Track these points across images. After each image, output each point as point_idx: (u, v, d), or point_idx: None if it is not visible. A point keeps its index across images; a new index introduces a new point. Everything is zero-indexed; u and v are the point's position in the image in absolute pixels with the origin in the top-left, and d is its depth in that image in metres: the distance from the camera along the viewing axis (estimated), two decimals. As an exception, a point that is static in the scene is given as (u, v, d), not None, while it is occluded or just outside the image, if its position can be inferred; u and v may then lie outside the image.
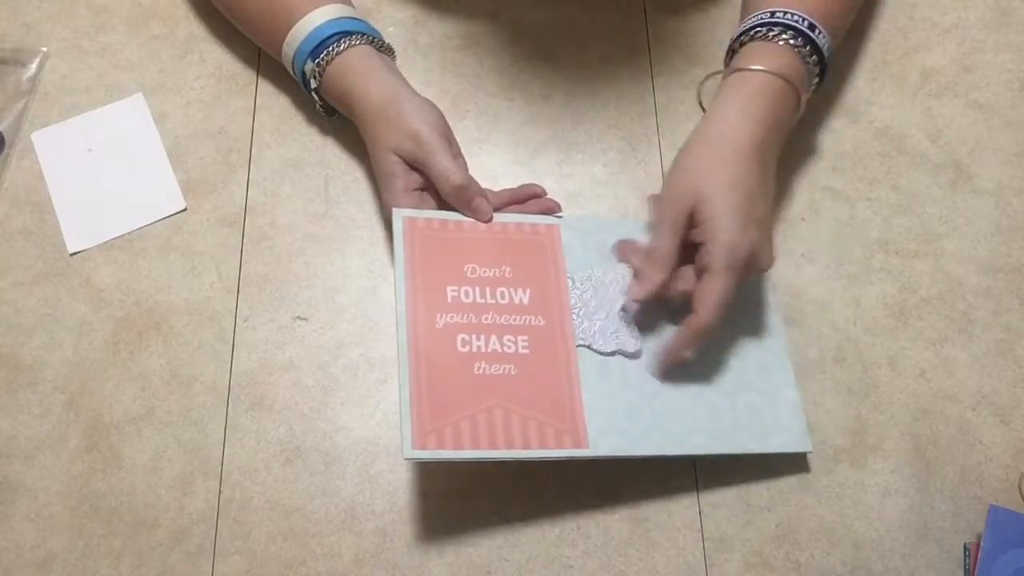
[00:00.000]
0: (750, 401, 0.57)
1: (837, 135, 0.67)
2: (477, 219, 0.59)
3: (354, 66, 0.60)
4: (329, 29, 0.61)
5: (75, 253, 0.63)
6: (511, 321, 0.56)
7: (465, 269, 0.57)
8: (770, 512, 0.57)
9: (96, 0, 0.71)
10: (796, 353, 0.61)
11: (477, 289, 0.56)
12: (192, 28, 0.70)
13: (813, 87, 0.60)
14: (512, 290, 0.57)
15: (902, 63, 0.69)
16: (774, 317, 0.61)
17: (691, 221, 0.55)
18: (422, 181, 0.59)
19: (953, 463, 0.58)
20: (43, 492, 0.57)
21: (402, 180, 0.58)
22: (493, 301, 0.56)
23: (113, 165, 0.66)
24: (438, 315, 0.55)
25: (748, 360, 0.59)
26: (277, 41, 0.63)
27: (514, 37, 0.70)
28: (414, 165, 0.58)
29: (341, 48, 0.60)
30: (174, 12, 0.71)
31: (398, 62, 0.66)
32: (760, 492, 0.58)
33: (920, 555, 0.56)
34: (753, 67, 0.57)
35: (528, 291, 0.57)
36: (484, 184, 0.66)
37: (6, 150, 0.66)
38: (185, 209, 0.65)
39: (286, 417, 0.59)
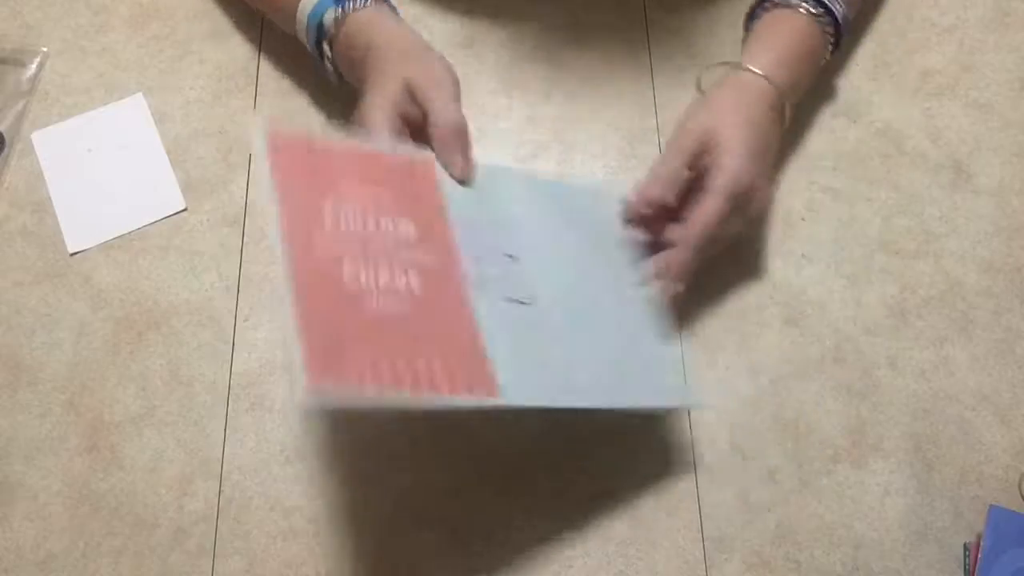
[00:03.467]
0: (642, 356, 0.56)
1: (837, 135, 0.67)
2: (452, 173, 0.55)
3: (377, 17, 0.59)
4: None
5: (75, 253, 0.63)
6: (399, 255, 0.50)
7: (342, 192, 0.50)
8: (770, 512, 0.57)
9: (96, 0, 0.71)
10: (796, 353, 0.61)
11: (358, 215, 0.50)
12: (192, 28, 0.70)
13: (829, 53, 0.63)
14: (394, 220, 0.51)
15: (902, 63, 0.69)
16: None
17: (702, 148, 0.57)
18: (402, 126, 0.56)
19: (953, 463, 0.58)
20: (43, 492, 0.57)
21: (388, 111, 0.55)
22: (375, 230, 0.50)
23: (113, 165, 0.66)
24: (317, 242, 0.47)
25: (639, 316, 0.57)
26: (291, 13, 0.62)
27: (514, 36, 0.70)
28: (413, 106, 0.56)
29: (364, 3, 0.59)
30: (174, 12, 0.71)
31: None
32: (760, 492, 0.58)
33: (920, 555, 0.56)
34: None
35: (412, 224, 0.51)
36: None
37: (6, 150, 0.66)
38: (185, 209, 0.65)
39: (286, 417, 0.59)
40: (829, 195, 0.65)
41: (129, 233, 0.64)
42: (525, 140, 0.67)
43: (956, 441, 0.59)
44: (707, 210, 0.55)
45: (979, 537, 0.55)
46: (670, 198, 0.57)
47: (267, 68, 0.69)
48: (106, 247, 0.64)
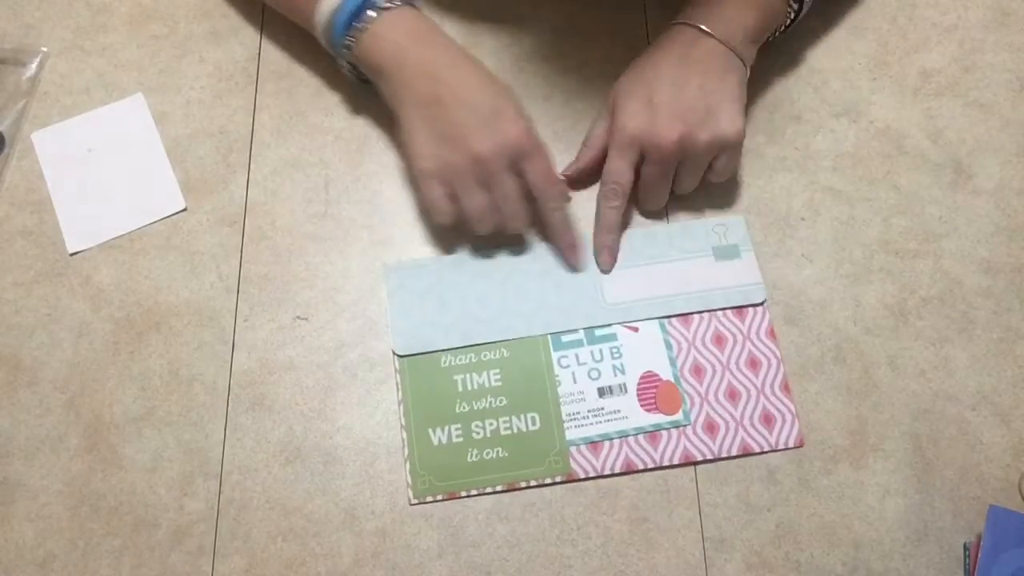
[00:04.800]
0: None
1: (837, 135, 0.67)
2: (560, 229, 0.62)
3: (406, 24, 0.60)
4: None
5: (75, 253, 0.63)
6: None
7: None
8: (770, 512, 0.57)
9: (96, 0, 0.71)
10: (796, 353, 0.61)
11: None
12: (192, 28, 0.70)
13: (789, 22, 0.64)
14: None
15: (902, 63, 0.69)
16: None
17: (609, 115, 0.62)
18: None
19: (953, 463, 0.58)
20: (43, 492, 0.57)
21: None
22: None
23: (113, 165, 0.66)
24: None
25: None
26: (311, 11, 0.62)
27: (514, 37, 0.70)
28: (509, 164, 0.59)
29: (390, 5, 0.60)
30: (174, 12, 0.71)
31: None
32: (760, 492, 0.58)
33: (920, 555, 0.56)
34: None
35: None
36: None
37: (6, 150, 0.66)
38: (185, 209, 0.65)
39: (286, 417, 0.59)
40: (829, 195, 0.65)
41: (129, 233, 0.64)
42: (525, 140, 0.67)
43: (956, 441, 0.59)
44: (606, 167, 0.61)
45: (979, 537, 0.55)
46: (595, 156, 0.63)
47: (267, 68, 0.69)
48: (106, 247, 0.64)
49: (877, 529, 0.57)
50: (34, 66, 0.68)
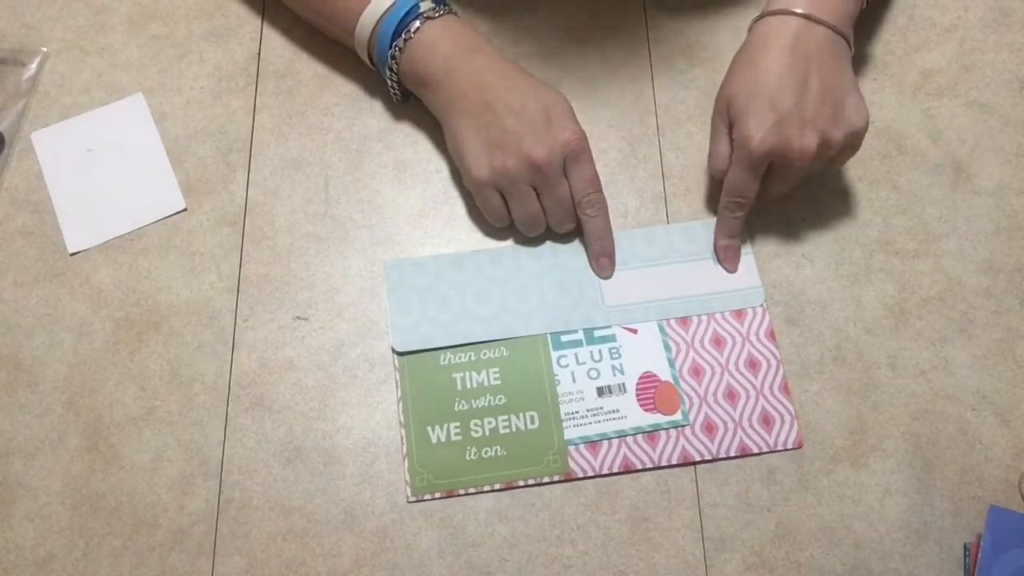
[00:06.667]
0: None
1: (837, 135, 0.67)
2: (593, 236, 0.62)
3: (452, 34, 0.60)
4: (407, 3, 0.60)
5: (75, 253, 0.63)
6: None
7: None
8: (770, 512, 0.57)
9: (96, 0, 0.71)
10: (796, 353, 0.61)
11: None
12: (192, 28, 0.70)
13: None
14: None
15: (902, 63, 0.69)
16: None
17: (729, 122, 0.59)
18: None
19: (953, 463, 0.58)
20: (43, 492, 0.57)
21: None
22: None
23: (113, 165, 0.66)
24: None
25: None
26: (351, 23, 0.62)
27: (514, 37, 0.70)
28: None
29: (435, 14, 0.60)
30: (174, 12, 0.71)
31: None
32: (760, 492, 0.58)
33: (920, 555, 0.56)
34: None
35: None
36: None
37: (6, 150, 0.66)
38: (185, 209, 0.65)
39: (286, 417, 0.59)
40: (829, 195, 0.65)
41: (129, 233, 0.64)
42: (525, 140, 0.67)
43: (956, 441, 0.59)
44: (728, 182, 0.59)
45: (979, 537, 0.55)
46: (724, 171, 0.60)
47: (267, 68, 0.69)
48: (106, 247, 0.64)
49: (877, 529, 0.57)
50: (34, 66, 0.68)
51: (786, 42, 0.57)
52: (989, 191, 0.65)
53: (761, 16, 0.60)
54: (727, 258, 0.62)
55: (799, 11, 0.57)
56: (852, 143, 0.58)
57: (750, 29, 0.61)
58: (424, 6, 0.61)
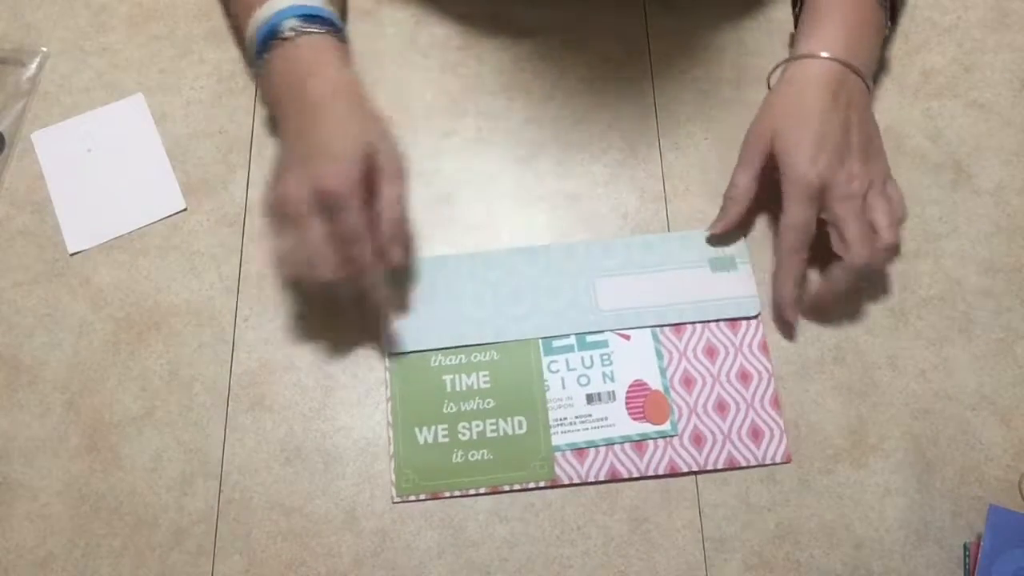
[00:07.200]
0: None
1: (837, 135, 0.67)
2: (394, 259, 0.56)
3: (314, 52, 0.57)
4: (290, 12, 0.57)
5: (75, 253, 0.63)
6: None
7: None
8: (770, 512, 0.57)
9: (96, 0, 0.71)
10: (796, 353, 0.61)
11: None
12: (192, 28, 0.70)
13: (887, 21, 0.64)
14: None
15: (902, 63, 0.69)
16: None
17: (770, 157, 0.59)
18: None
19: (953, 463, 0.58)
20: (43, 492, 0.57)
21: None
22: None
23: (113, 165, 0.66)
24: None
25: None
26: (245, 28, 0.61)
27: (514, 37, 0.70)
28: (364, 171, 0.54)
29: (308, 29, 0.57)
30: (174, 12, 0.71)
31: (398, 62, 0.66)
32: (760, 492, 0.58)
33: (920, 555, 0.56)
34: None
35: None
36: (482, 183, 0.66)
37: (6, 150, 0.66)
38: (185, 209, 0.65)
39: (286, 417, 0.59)
40: (829, 195, 0.65)
41: (129, 233, 0.64)
42: (525, 140, 0.67)
43: (956, 441, 0.59)
44: (786, 221, 0.58)
45: (979, 537, 0.55)
46: (743, 211, 0.61)
47: (267, 68, 0.69)
48: (106, 247, 0.64)
49: (877, 529, 0.57)
50: (34, 66, 0.68)
51: (831, 86, 0.59)
52: (989, 191, 0.65)
53: (799, 56, 0.61)
54: (793, 316, 0.60)
55: (846, 61, 0.59)
56: (884, 180, 0.60)
57: (786, 66, 0.62)
58: (287, 24, 0.57)
